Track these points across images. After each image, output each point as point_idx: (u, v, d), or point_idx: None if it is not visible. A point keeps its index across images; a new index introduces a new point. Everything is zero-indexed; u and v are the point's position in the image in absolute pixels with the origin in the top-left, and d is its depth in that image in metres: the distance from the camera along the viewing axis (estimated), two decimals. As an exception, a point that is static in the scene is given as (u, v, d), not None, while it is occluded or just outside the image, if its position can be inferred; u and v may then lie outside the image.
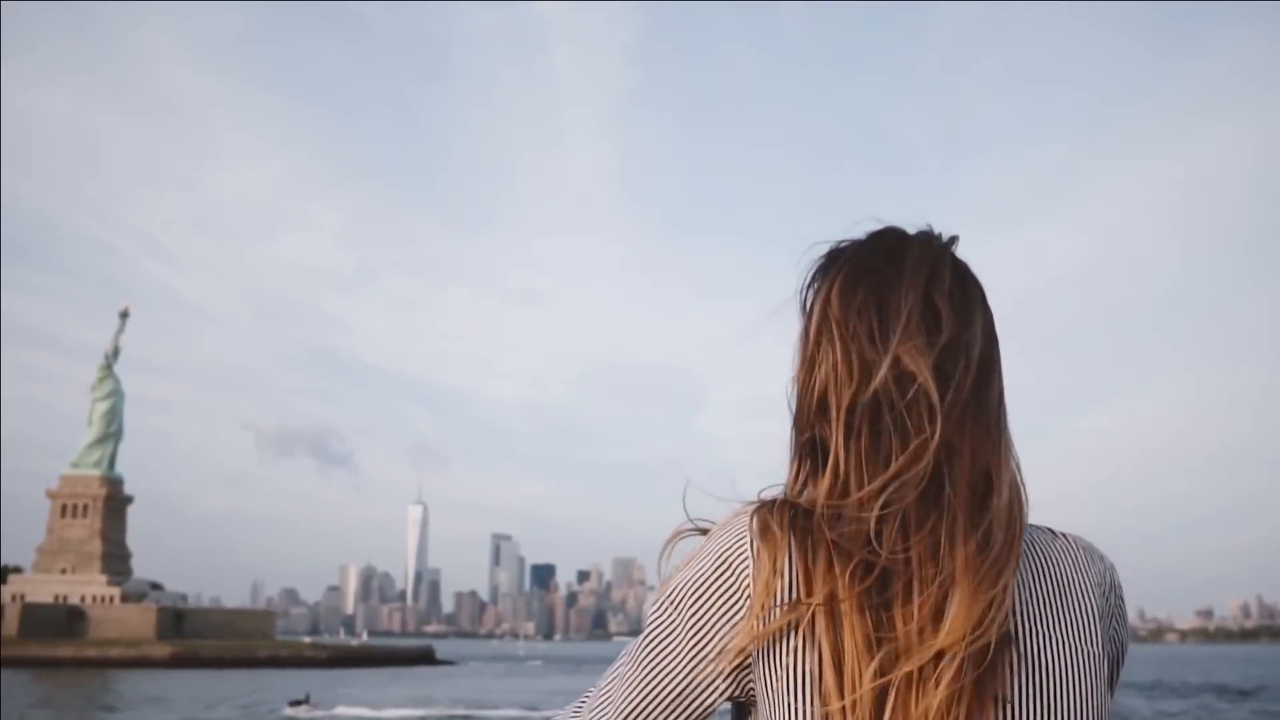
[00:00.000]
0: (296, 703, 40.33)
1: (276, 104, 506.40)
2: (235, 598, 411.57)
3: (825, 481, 1.00)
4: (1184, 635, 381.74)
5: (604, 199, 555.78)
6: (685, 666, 1.00)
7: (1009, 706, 0.95)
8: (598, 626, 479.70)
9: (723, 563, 0.99)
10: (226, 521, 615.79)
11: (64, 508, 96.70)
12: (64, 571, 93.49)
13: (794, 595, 0.95)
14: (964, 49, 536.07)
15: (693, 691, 1.01)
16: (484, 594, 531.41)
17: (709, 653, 0.99)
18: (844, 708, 0.92)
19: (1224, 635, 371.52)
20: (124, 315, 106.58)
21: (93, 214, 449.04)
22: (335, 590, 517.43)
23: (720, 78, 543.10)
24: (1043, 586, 1.01)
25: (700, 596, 0.99)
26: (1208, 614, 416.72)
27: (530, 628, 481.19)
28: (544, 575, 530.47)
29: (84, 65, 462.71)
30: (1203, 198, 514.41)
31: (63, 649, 77.87)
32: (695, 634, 0.99)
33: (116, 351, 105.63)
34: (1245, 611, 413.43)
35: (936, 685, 0.92)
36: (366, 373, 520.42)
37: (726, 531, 1.01)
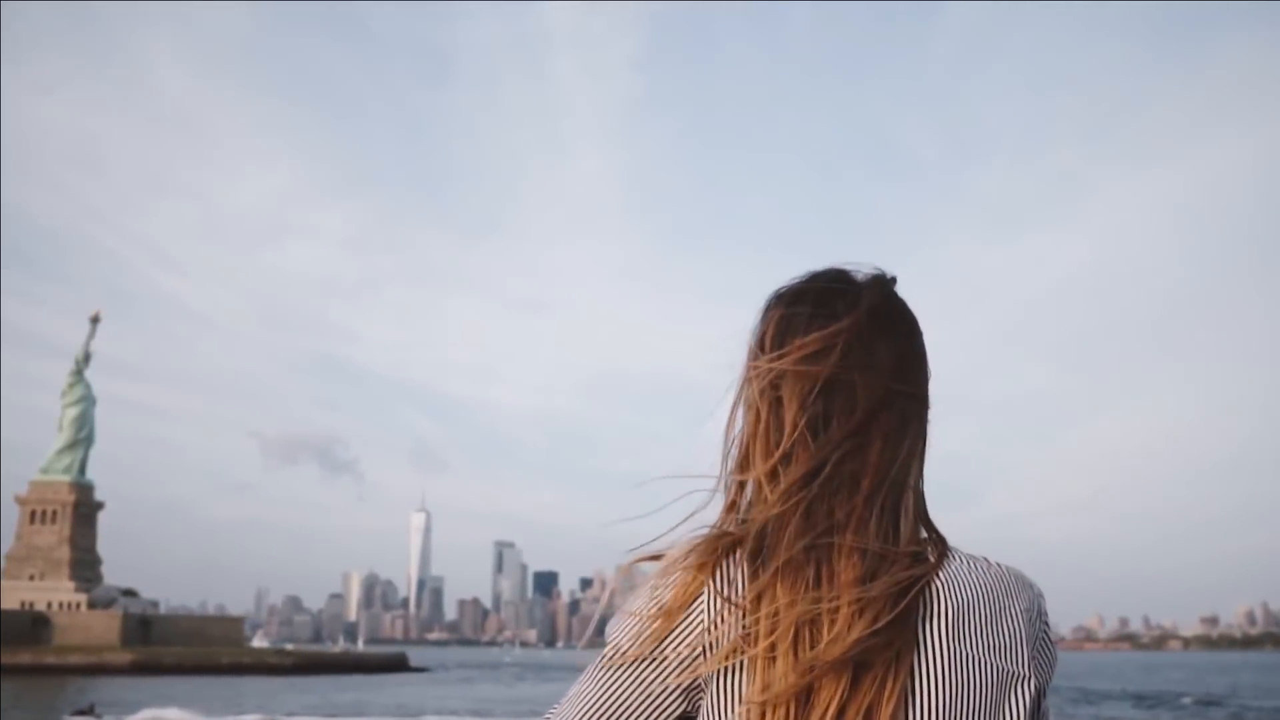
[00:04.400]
0: (79, 713, 38.12)
1: (282, 111, 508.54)
2: (239, 606, 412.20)
3: (758, 513, 1.07)
4: (1187, 643, 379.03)
5: (609, 206, 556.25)
6: (642, 686, 1.06)
7: (922, 714, 1.01)
8: (601, 634, 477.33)
9: (681, 586, 1.05)
10: (232, 530, 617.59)
11: (33, 514, 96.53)
12: (32, 578, 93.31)
13: (745, 617, 1.02)
14: (968, 56, 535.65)
15: (649, 710, 1.06)
16: (487, 601, 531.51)
17: (664, 671, 1.05)
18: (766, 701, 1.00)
19: (1227, 642, 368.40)
20: (95, 320, 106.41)
21: (97, 221, 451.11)
22: (338, 598, 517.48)
23: (725, 85, 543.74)
24: (976, 610, 1.06)
25: (656, 619, 1.05)
26: (1213, 621, 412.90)
27: (533, 635, 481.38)
28: (547, 583, 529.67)
29: (88, 72, 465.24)
30: (1207, 205, 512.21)
31: (22, 655, 77.47)
32: (652, 653, 1.05)
33: (88, 357, 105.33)
34: (1250, 619, 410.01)
35: (837, 685, 1.00)
36: (371, 381, 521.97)
37: (685, 556, 1.07)
